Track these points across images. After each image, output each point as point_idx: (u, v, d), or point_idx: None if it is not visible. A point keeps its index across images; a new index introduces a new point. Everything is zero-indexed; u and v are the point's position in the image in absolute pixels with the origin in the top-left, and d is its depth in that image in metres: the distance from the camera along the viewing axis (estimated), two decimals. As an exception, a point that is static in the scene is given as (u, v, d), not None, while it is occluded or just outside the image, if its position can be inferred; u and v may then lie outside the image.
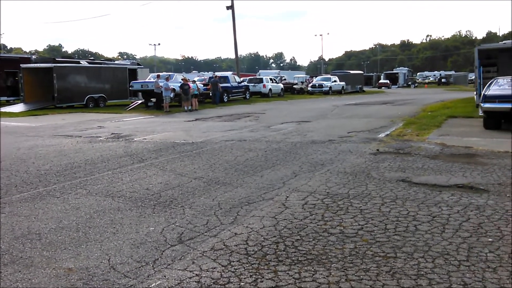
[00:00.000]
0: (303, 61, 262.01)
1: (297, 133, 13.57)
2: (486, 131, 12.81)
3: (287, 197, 6.31)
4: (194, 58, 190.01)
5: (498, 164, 8.12)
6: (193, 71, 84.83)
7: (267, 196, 6.41)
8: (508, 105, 12.19)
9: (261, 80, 39.76)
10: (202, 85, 31.01)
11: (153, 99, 26.99)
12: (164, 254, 4.39)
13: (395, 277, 3.75)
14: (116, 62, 37.57)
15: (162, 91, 24.66)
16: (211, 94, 30.16)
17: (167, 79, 25.68)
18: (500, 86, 13.70)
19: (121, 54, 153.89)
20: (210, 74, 48.24)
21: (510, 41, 26.93)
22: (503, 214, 5.27)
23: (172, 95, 25.87)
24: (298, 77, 59.76)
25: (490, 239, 4.52)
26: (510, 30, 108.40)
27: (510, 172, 7.42)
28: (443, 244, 4.42)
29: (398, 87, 70.07)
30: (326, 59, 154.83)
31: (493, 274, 3.75)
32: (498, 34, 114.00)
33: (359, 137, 12.33)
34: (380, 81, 70.43)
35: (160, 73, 30.56)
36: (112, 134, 14.56)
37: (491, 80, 14.63)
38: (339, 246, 4.46)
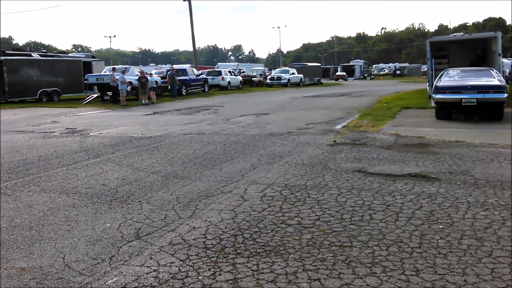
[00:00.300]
0: (262, 54, 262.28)
1: (256, 126, 13.62)
2: (438, 121, 13.24)
3: (246, 189, 6.33)
4: (151, 50, 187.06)
5: (449, 153, 8.41)
6: (151, 64, 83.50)
7: (226, 189, 6.41)
8: (458, 96, 12.63)
9: (219, 73, 39.58)
10: (160, 78, 30.59)
11: (109, 93, 26.40)
12: (121, 250, 4.33)
13: (350, 265, 3.83)
14: (70, 54, 36.36)
15: (118, 85, 24.15)
16: (169, 88, 29.79)
17: (123, 72, 25.20)
18: (450, 77, 14.17)
19: (75, 46, 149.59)
20: (168, 67, 47.56)
21: (460, 33, 27.88)
22: (453, 202, 5.48)
23: (128, 88, 25.39)
24: (257, 69, 59.87)
25: (441, 226, 4.69)
26: (461, 23, 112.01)
27: (460, 161, 7.70)
28: (397, 232, 4.55)
29: (355, 79, 71.37)
30: (285, 52, 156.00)
31: (443, 260, 3.89)
32: (449, 27, 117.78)
33: (316, 129, 12.49)
34: (337, 73, 71.46)
35: (116, 66, 29.90)
36: (66, 129, 14.17)
37: (442, 72, 15.12)
38: (297, 237, 4.52)
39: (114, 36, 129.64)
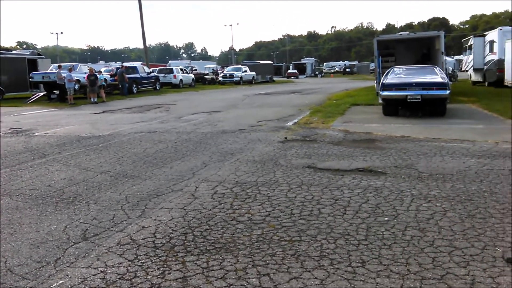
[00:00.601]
0: (214, 52, 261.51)
1: (208, 123, 13.56)
2: (385, 117, 13.64)
3: (197, 187, 6.30)
4: (101, 48, 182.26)
5: (395, 148, 8.68)
6: (100, 62, 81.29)
7: (176, 187, 6.36)
8: (403, 93, 13.04)
9: (171, 71, 39.11)
10: (109, 76, 29.89)
11: (56, 91, 25.55)
12: (67, 252, 4.21)
13: (299, 259, 3.89)
14: (14, 52, 34.84)
15: (65, 83, 23.41)
16: (119, 86, 29.16)
17: (70, 69, 24.41)
18: (396, 75, 14.63)
19: (20, 43, 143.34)
20: (118, 64, 46.52)
21: (406, 32, 28.76)
22: (398, 195, 5.66)
23: (76, 86, 24.66)
24: (209, 67, 59.58)
25: (386, 218, 4.84)
26: (407, 22, 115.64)
27: (405, 155, 7.97)
28: (344, 226, 4.66)
29: (306, 76, 72.29)
30: (237, 50, 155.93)
31: (388, 251, 4.02)
32: (396, 26, 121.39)
33: (268, 126, 12.59)
34: (289, 71, 72.13)
35: (62, 64, 28.93)
36: (10, 129, 13.62)
37: (389, 70, 15.57)
38: (247, 233, 4.54)
39: (61, 33, 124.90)
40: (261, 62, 61.34)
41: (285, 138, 10.31)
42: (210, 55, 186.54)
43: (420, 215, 4.91)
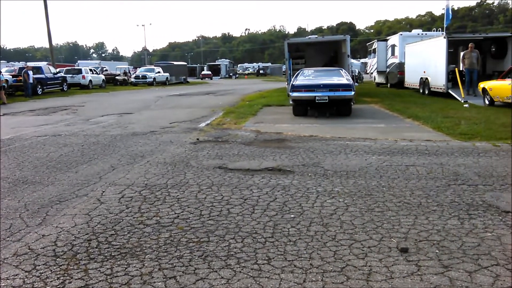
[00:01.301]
0: (127, 52, 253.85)
1: (118, 126, 13.16)
2: (295, 117, 14.05)
3: (103, 192, 6.09)
4: (2, 47, 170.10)
5: (303, 147, 8.97)
6: (1, 61, 75.85)
7: (81, 192, 6.10)
8: (312, 94, 13.52)
9: (80, 71, 37.39)
10: (11, 77, 28.01)
11: None
12: (-45, 267, 3.88)
13: (206, 260, 3.90)
14: None
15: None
16: (24, 87, 27.37)
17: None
18: (305, 76, 15.13)
19: None
20: (21, 64, 43.70)
21: (314, 36, 29.81)
22: (305, 192, 5.86)
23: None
24: (121, 67, 57.75)
25: (292, 216, 4.99)
26: (317, 26, 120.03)
27: (313, 154, 8.26)
28: (252, 224, 4.74)
29: (221, 78, 72.61)
30: (150, 50, 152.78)
31: (293, 247, 4.15)
32: (307, 30, 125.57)
33: (181, 127, 12.47)
34: (203, 72, 72.03)
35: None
36: None
37: (298, 71, 16.07)
38: (155, 236, 4.47)
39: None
40: (175, 63, 60.65)
41: (197, 139, 10.27)
42: (122, 56, 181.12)
43: (324, 211, 5.12)
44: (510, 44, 19.53)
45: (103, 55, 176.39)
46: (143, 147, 9.40)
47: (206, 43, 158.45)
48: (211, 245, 4.23)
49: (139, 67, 56.82)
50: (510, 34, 20.07)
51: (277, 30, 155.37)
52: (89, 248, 4.22)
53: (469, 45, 18.42)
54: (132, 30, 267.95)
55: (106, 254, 4.08)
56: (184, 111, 17.53)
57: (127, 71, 50.68)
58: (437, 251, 4.00)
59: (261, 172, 7.02)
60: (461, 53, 20.38)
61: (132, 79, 44.57)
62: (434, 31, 33.83)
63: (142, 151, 9.01)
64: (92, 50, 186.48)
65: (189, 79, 56.93)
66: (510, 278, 3.48)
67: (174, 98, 25.81)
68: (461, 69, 19.55)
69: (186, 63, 69.34)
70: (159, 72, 46.55)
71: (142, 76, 44.53)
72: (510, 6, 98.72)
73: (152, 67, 50.49)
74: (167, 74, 47.64)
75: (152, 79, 44.12)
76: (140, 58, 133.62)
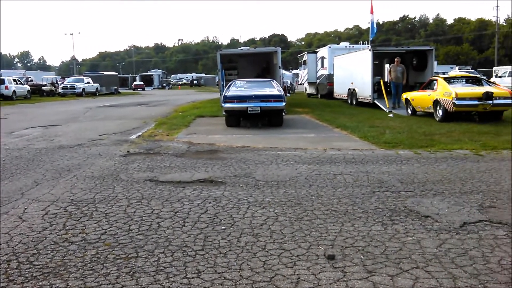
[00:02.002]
0: (54, 61, 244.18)
1: (43, 138, 12.59)
2: (228, 128, 14.12)
3: (25, 209, 5.79)
4: None
5: (235, 158, 9.02)
6: None
7: (2, 210, 5.76)
8: (244, 105, 13.66)
9: (2, 81, 35.46)
10: None
11: None
12: None
13: (134, 276, 3.81)
14: None
15: None
16: None
17: None
18: (237, 87, 15.26)
19: None
20: None
21: (247, 47, 30.22)
22: (236, 203, 5.88)
23: None
24: (48, 78, 55.33)
25: (223, 227, 4.99)
26: (249, 37, 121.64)
27: (244, 165, 8.32)
28: (183, 237, 4.69)
29: (154, 88, 71.52)
30: (80, 60, 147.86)
31: (223, 259, 4.15)
32: (240, 41, 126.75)
33: (110, 140, 12.14)
34: (136, 83, 70.64)
35: None
36: None
37: (230, 83, 16.19)
38: (80, 254, 4.31)
39: None
40: (106, 73, 58.97)
41: (128, 151, 10.05)
42: (49, 65, 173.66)
43: (255, 221, 5.17)
44: (430, 57, 20.78)
45: (28, 64, 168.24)
46: (70, 161, 9.06)
47: (138, 53, 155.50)
48: (140, 260, 4.14)
49: (68, 77, 54.69)
50: (430, 48, 21.39)
51: (211, 41, 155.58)
52: (8, 269, 3.99)
53: (396, 59, 19.35)
54: (60, 38, 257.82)
55: (27, 275, 3.87)
56: (114, 122, 17.09)
57: (55, 82, 48.60)
58: (362, 256, 4.15)
59: (193, 184, 6.97)
60: (387, 66, 21.35)
61: (60, 90, 42.81)
62: (361, 44, 35.30)
63: (69, 165, 8.68)
64: (16, 59, 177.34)
65: (121, 90, 55.63)
66: (428, 279, 3.68)
67: (105, 109, 25.11)
68: (386, 80, 20.51)
69: (117, 73, 67.78)
70: (88, 82, 45.13)
71: (70, 86, 42.94)
72: (430, 21, 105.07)
73: (81, 77, 48.80)
74: (97, 85, 46.27)
75: (81, 90, 42.66)
76: (69, 68, 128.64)
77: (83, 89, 43.08)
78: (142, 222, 5.19)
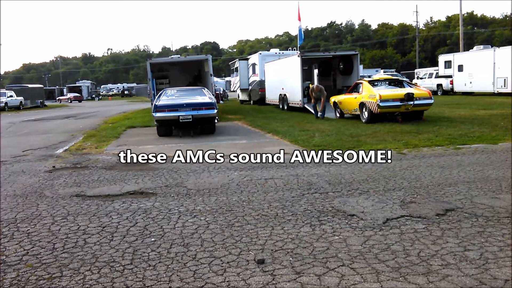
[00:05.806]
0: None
1: (-40, 158, 11.80)
2: (160, 138, 13.92)
3: None
4: None
5: (167, 168, 8.90)
6: None
7: None
8: (176, 114, 13.53)
9: None
10: None
11: None
12: None
13: (58, 296, 3.66)
14: None
15: None
16: None
17: None
18: (168, 96, 15.10)
19: None
20: None
21: (177, 56, 30.00)
22: (167, 213, 5.81)
23: None
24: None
25: (153, 239, 4.91)
26: (181, 46, 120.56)
27: (176, 174, 8.23)
28: (110, 253, 4.56)
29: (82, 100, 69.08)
30: (2, 72, 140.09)
31: (152, 271, 4.07)
32: (171, 49, 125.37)
33: (35, 155, 11.59)
34: (72, 94, 68.00)
35: None
36: None
37: (161, 92, 15.99)
38: (-1, 278, 4.08)
39: None
40: (30, 86, 56.22)
41: (53, 167, 9.63)
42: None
43: (186, 230, 5.12)
44: (355, 61, 21.57)
45: None
46: (-10, 180, 8.55)
47: (65, 63, 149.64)
48: (64, 280, 3.98)
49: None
50: (355, 52, 22.20)
51: (141, 50, 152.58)
52: None
53: (314, 86, 18.69)
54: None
55: None
56: (39, 137, 16.34)
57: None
58: (291, 258, 4.23)
59: (122, 196, 6.81)
60: (315, 71, 21.61)
61: (-20, 105, 40.35)
62: (290, 50, 36.03)
63: (-12, 184, 8.19)
64: None
65: (47, 103, 53.31)
66: (353, 276, 3.81)
67: (29, 123, 23.97)
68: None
69: (43, 86, 64.80)
70: (11, 96, 42.83)
71: (-9, 100, 40.55)
72: (356, 27, 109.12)
73: (4, 90, 46.20)
74: (21, 98, 44.01)
75: (3, 104, 40.40)
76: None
77: (6, 103, 40.79)
78: (67, 240, 5.00)
